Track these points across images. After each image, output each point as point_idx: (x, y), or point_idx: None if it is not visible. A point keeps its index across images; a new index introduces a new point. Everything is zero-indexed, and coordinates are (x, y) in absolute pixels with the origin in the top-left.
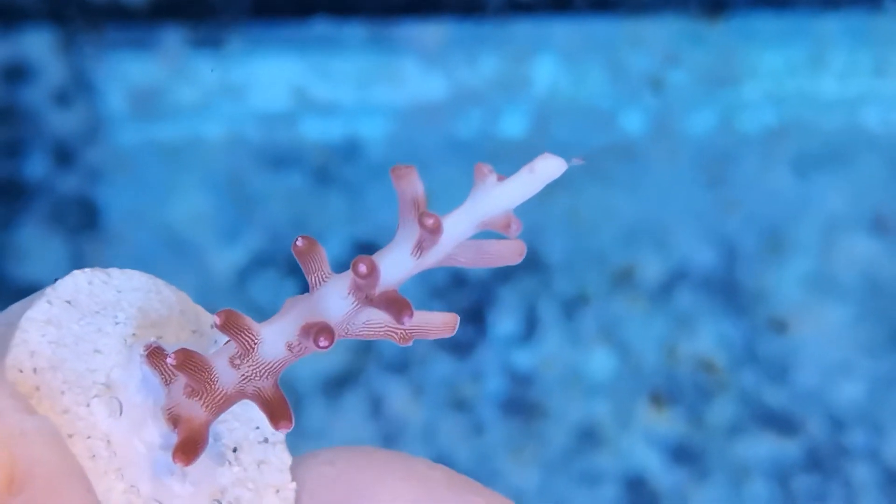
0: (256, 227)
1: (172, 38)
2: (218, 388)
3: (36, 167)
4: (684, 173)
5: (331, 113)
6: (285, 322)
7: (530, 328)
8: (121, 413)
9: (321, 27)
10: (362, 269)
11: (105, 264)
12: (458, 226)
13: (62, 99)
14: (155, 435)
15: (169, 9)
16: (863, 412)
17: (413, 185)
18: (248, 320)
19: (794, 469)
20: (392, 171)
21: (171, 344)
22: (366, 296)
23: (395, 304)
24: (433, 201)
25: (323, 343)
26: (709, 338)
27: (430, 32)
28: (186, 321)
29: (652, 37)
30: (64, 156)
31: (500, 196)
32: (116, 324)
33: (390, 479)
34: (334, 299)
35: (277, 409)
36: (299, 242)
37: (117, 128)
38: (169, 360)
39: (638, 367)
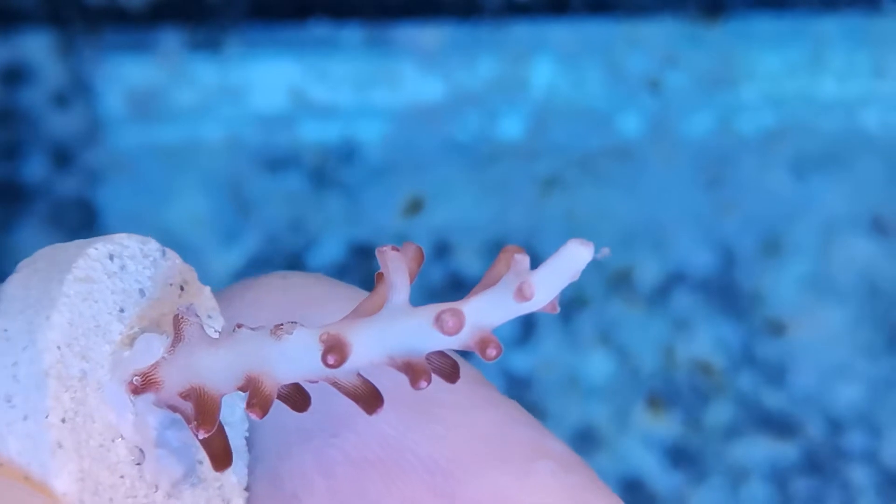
0: (254, 229)
1: (171, 41)
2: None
3: (34, 169)
4: (682, 175)
5: (329, 115)
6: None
7: (527, 331)
8: (143, 456)
9: (319, 29)
10: (423, 385)
11: None
12: (499, 321)
13: (61, 101)
14: (156, 426)
15: (167, 11)
16: (861, 414)
17: (462, 319)
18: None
19: (792, 472)
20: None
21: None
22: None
23: (412, 370)
24: (431, 204)
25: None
26: (706, 340)
27: (428, 35)
28: (111, 297)
29: (650, 38)
30: (62, 158)
31: (542, 300)
32: (86, 376)
33: (343, 293)
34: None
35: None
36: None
37: (116, 130)
38: (198, 436)
39: (635, 369)
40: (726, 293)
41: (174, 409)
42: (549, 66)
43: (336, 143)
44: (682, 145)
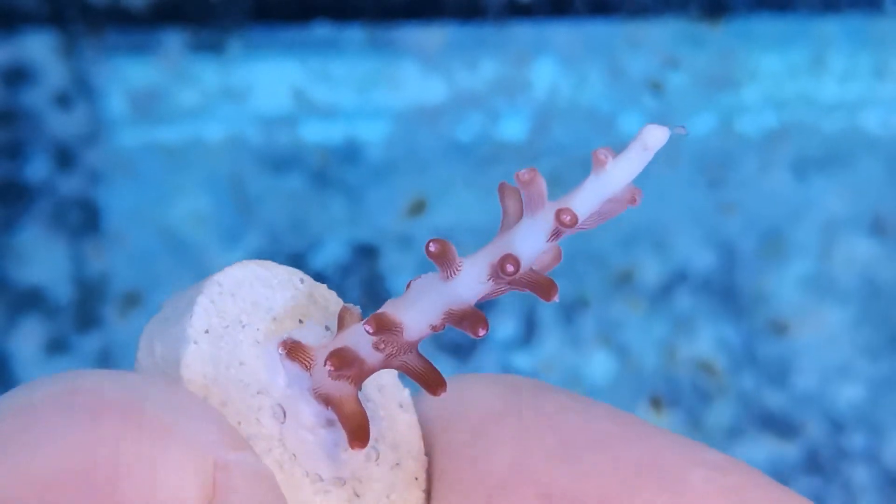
0: (257, 228)
1: (173, 42)
2: (365, 369)
3: (37, 169)
4: (684, 176)
5: (331, 116)
6: (426, 308)
7: (529, 331)
8: (285, 416)
9: (321, 31)
10: (510, 268)
11: (106, 266)
12: (585, 207)
13: (63, 101)
14: (311, 417)
15: (170, 12)
16: (862, 414)
17: (539, 185)
18: (391, 317)
19: (794, 471)
20: (518, 178)
21: (290, 327)
22: (507, 281)
23: (541, 286)
24: (433, 204)
25: (482, 333)
26: (708, 340)
27: (430, 36)
28: (288, 292)
29: (651, 39)
30: (65, 158)
31: (620, 175)
32: (243, 327)
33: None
34: (472, 285)
35: (430, 377)
36: (432, 247)
37: (118, 130)
38: (328, 370)
39: (637, 369)
40: (728, 293)
41: (326, 399)
42: (550, 67)
43: (338, 143)
44: (683, 146)
